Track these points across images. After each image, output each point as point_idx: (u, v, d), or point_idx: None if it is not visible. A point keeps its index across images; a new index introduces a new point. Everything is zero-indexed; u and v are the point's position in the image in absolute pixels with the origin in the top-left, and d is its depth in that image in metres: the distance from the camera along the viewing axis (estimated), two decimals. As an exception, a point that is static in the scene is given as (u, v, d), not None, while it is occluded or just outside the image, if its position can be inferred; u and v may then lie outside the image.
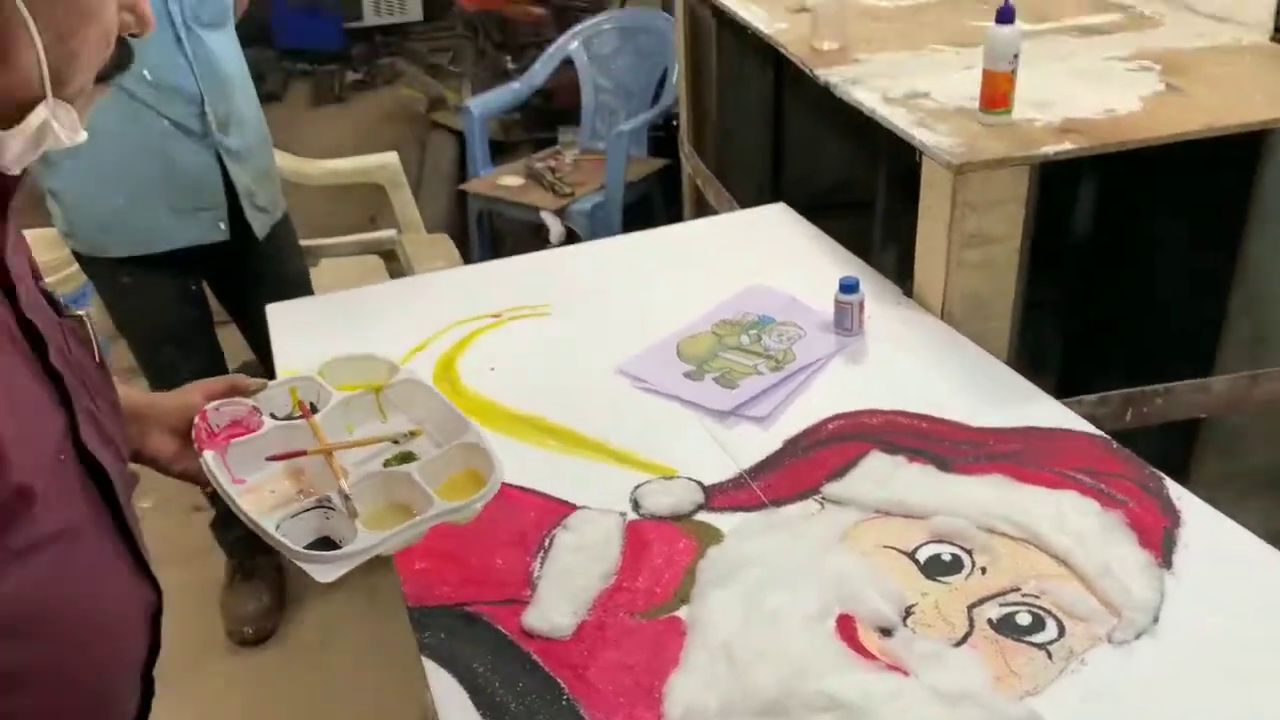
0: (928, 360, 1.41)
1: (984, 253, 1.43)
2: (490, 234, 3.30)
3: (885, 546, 1.09)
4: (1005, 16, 1.42)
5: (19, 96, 0.73)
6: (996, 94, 1.46)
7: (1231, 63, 1.68)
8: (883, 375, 1.39)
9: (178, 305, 1.95)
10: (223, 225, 1.88)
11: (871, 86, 1.67)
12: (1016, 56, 1.44)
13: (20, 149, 0.76)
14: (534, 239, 3.06)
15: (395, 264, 2.67)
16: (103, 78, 0.79)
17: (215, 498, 1.08)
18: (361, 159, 2.75)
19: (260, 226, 1.95)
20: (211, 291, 2.07)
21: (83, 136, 0.80)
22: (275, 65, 5.33)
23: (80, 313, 0.95)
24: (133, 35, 0.80)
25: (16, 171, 0.80)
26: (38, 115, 0.74)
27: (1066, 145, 1.40)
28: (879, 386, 1.35)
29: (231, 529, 2.18)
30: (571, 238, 3.01)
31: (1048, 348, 2.27)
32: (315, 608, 2.23)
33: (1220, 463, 1.91)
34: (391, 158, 2.65)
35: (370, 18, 6.13)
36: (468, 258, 3.06)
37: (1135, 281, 2.07)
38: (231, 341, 2.12)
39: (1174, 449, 1.83)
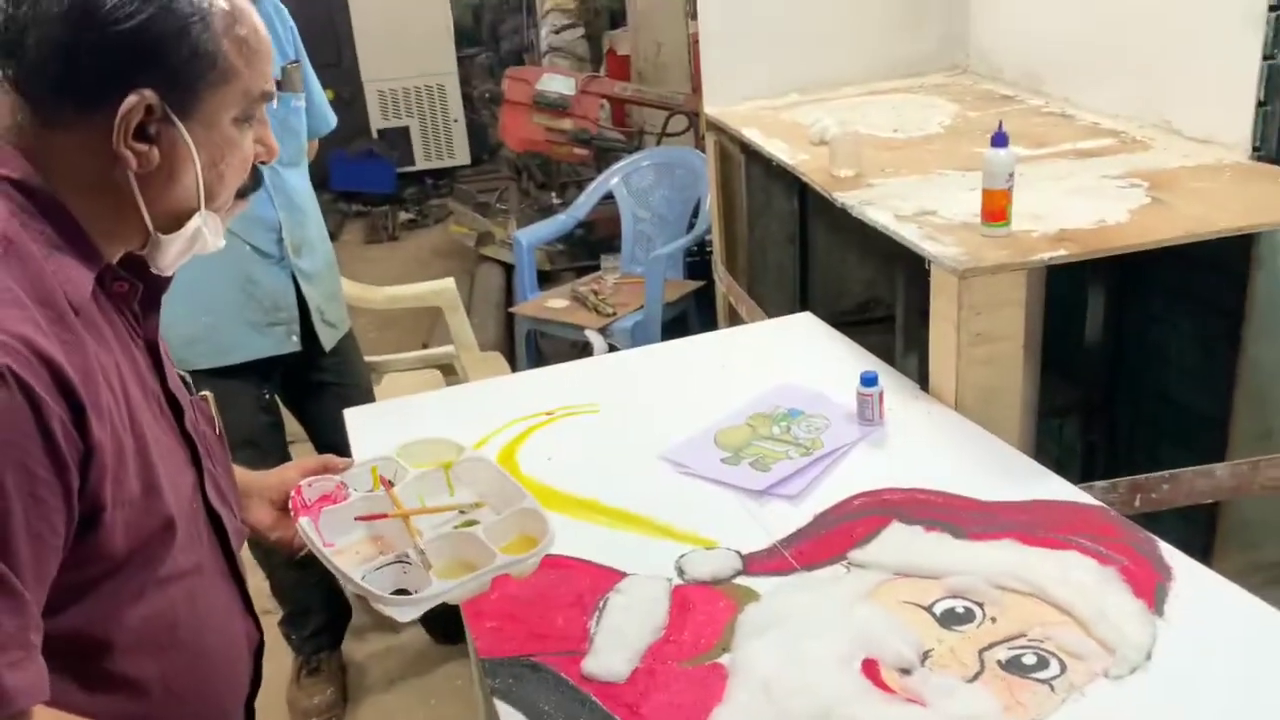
0: (943, 445, 1.53)
1: (990, 349, 1.57)
2: (537, 352, 3.49)
3: (905, 602, 1.20)
4: (1000, 142, 1.60)
5: (181, 209, 0.92)
6: (995, 209, 1.62)
7: (1213, 178, 1.84)
8: (902, 458, 1.51)
9: (254, 413, 2.11)
10: (295, 338, 2.06)
11: (884, 206, 1.85)
12: (1012, 175, 1.61)
13: (178, 251, 0.95)
14: (579, 356, 3.24)
15: (452, 378, 2.85)
16: (240, 194, 0.98)
17: (307, 561, 1.22)
18: (421, 285, 2.96)
19: (328, 339, 2.13)
20: (282, 402, 2.23)
21: (223, 243, 0.99)
22: (331, 207, 5.66)
23: (205, 394, 1.12)
24: (262, 162, 0.99)
25: (171, 272, 0.98)
26: (193, 223, 0.93)
27: (1060, 251, 1.56)
28: (899, 468, 1.47)
29: (300, 626, 2.31)
30: (614, 349, 3.19)
31: (1070, 448, 2.39)
32: (376, 703, 2.33)
33: (1242, 554, 1.99)
34: (449, 283, 2.86)
35: (421, 162, 6.51)
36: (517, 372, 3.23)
37: (1148, 383, 2.21)
38: (303, 453, 2.29)
39: (1195, 540, 1.91)
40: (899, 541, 1.31)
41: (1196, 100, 2.06)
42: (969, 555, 1.26)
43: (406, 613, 1.07)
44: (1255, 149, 1.92)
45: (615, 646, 1.17)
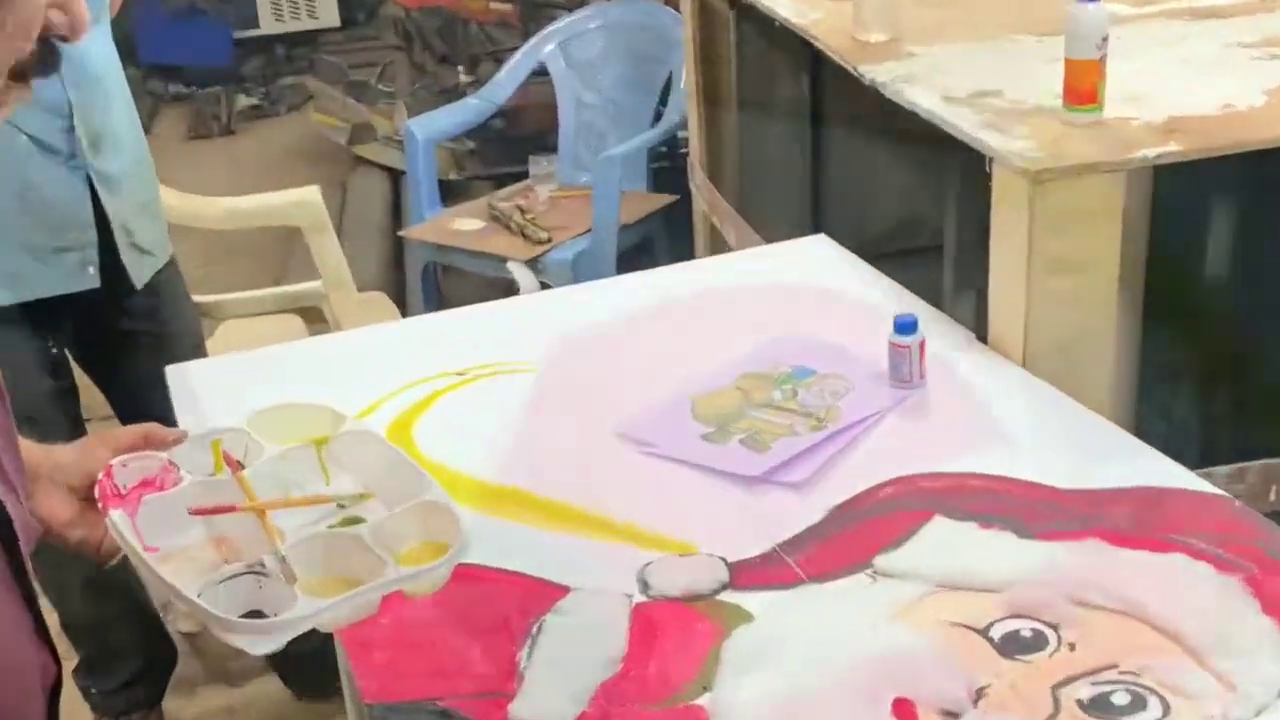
0: (1005, 415, 1.58)
1: (1073, 283, 1.63)
2: (438, 292, 3.51)
3: (952, 624, 1.24)
4: None
5: None
6: (1082, 86, 1.67)
7: None
8: (949, 433, 1.56)
9: (34, 375, 2.08)
10: (92, 270, 2.03)
11: (930, 84, 1.89)
12: (1105, 40, 1.65)
13: None
14: (498, 298, 3.21)
15: (318, 326, 2.85)
16: (18, 75, 0.96)
17: (116, 575, 1.24)
18: (271, 196, 2.96)
19: (140, 273, 2.11)
20: (75, 360, 2.22)
21: None
22: (141, 88, 5.57)
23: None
24: (61, 39, 0.97)
25: None
26: None
27: (1171, 147, 1.61)
28: (944, 446, 1.52)
29: (103, 676, 2.32)
30: (545, 287, 3.21)
31: (1182, 422, 2.44)
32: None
33: None
34: (311, 195, 2.85)
35: (269, 24, 6.40)
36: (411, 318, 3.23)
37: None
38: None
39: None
40: (943, 543, 1.36)
41: None
42: (1038, 560, 1.31)
43: (261, 643, 1.08)
44: None
45: (554, 684, 1.20)
